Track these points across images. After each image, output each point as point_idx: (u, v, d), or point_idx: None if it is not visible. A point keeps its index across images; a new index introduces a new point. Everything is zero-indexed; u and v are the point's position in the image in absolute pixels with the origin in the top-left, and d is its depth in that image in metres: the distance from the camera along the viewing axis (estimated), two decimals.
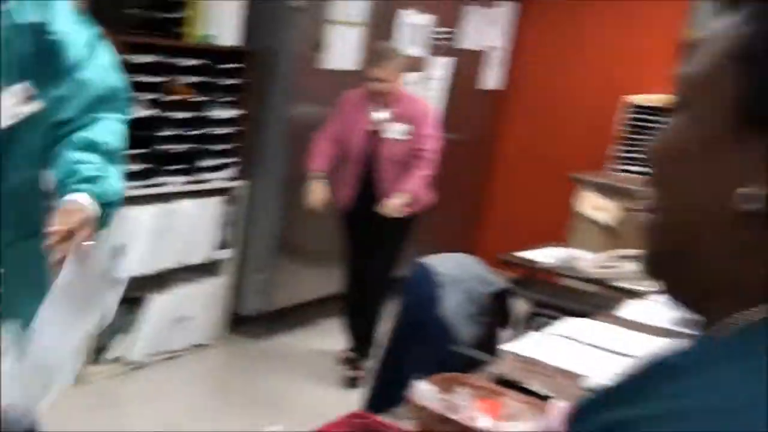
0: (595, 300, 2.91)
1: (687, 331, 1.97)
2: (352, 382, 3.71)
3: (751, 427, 0.49)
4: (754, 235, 0.55)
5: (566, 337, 2.29)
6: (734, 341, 0.56)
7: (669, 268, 0.62)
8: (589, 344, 2.24)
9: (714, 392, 0.52)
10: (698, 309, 0.60)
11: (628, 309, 2.58)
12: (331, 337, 4.08)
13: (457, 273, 2.49)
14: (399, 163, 3.58)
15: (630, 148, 4.71)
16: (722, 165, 0.57)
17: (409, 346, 2.31)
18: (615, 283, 2.95)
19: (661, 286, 0.64)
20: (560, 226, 4.39)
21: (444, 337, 2.34)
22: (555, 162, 5.16)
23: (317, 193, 3.62)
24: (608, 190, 4.23)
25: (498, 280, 2.64)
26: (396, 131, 3.59)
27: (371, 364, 3.34)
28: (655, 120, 4.64)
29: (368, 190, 3.61)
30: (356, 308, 3.81)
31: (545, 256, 3.20)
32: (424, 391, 1.66)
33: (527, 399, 1.75)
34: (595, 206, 3.48)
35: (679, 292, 0.62)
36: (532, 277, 3.28)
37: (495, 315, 2.57)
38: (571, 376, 2.02)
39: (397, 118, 3.58)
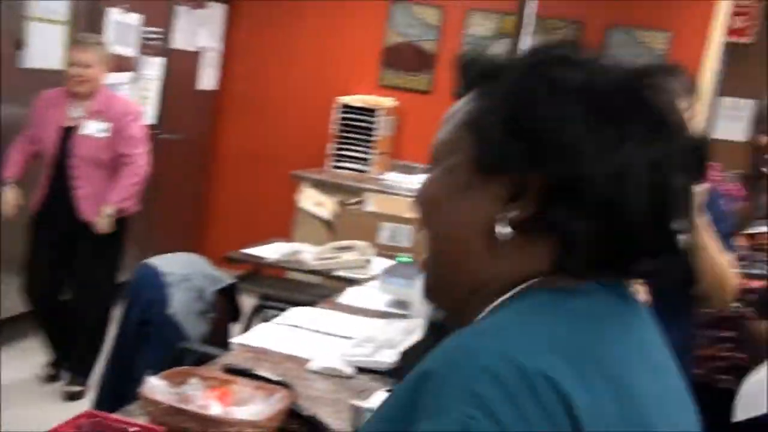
0: (319, 290, 3.08)
1: (399, 312, 2.18)
2: (75, 395, 3.54)
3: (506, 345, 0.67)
4: (501, 250, 0.75)
5: (292, 326, 2.42)
6: (499, 309, 0.75)
7: (443, 293, 0.81)
8: (313, 330, 2.39)
9: (481, 326, 0.72)
10: (462, 313, 0.79)
11: (348, 296, 2.77)
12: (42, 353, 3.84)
13: (184, 272, 2.51)
14: (96, 162, 3.45)
15: (342, 146, 5.00)
16: (469, 204, 0.76)
17: (139, 346, 2.29)
18: (335, 273, 3.14)
19: (439, 308, 0.83)
20: (284, 222, 4.55)
21: (174, 336, 2.35)
22: (276, 160, 5.32)
23: (7, 200, 3.43)
24: (325, 186, 4.47)
25: (225, 277, 2.70)
26: (93, 128, 3.45)
27: (96, 372, 3.23)
28: (364, 120, 4.97)
29: (63, 191, 3.44)
30: (59, 319, 3.59)
31: (270, 251, 3.31)
32: (154, 386, 1.68)
33: (257, 384, 1.83)
34: (315, 202, 3.67)
35: (451, 309, 0.81)
36: (259, 273, 3.38)
37: (224, 311, 2.62)
38: (297, 361, 2.15)
39: (95, 114, 3.46)
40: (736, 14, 4.82)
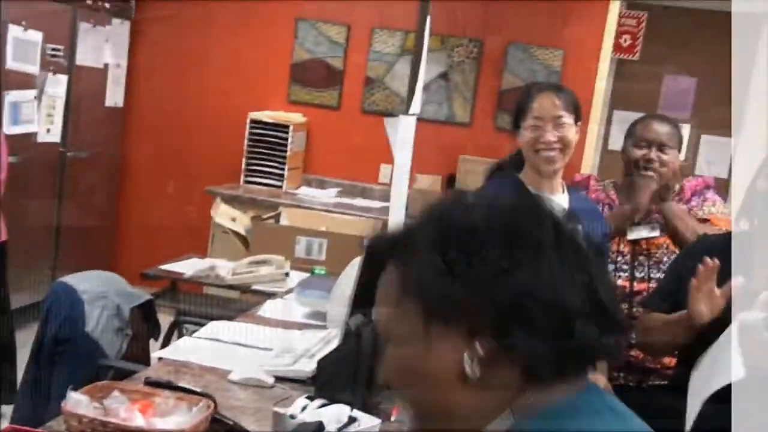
0: (237, 304, 3.12)
1: (316, 323, 2.27)
2: None
3: None
4: (478, 384, 0.83)
5: (211, 339, 2.46)
6: None
7: None
8: (233, 343, 2.44)
9: None
10: None
11: (266, 308, 2.83)
12: None
13: (99, 289, 2.52)
14: None
15: (254, 162, 5.05)
16: (435, 357, 0.85)
17: (56, 364, 2.29)
18: (253, 287, 3.19)
19: None
20: (199, 239, 4.55)
21: (92, 353, 2.36)
22: (189, 176, 5.31)
23: None
24: (239, 202, 4.51)
25: (141, 293, 2.71)
26: None
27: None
28: (275, 135, 5.03)
29: None
30: None
31: (186, 267, 3.32)
32: (76, 400, 1.70)
33: (179, 395, 1.87)
34: (229, 217, 3.71)
35: None
36: (176, 289, 3.38)
37: (142, 327, 2.64)
38: (218, 373, 2.19)
39: None
40: (622, 33, 5.14)
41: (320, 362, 2.12)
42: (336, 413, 1.90)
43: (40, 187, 4.58)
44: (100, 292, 2.51)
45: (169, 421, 1.77)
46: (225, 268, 3.20)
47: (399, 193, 2.39)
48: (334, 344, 2.27)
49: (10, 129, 4.26)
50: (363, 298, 2.39)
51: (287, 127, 5.03)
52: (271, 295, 3.05)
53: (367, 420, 1.87)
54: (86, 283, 2.51)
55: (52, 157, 4.70)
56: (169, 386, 1.96)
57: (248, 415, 1.95)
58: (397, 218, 3.29)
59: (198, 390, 1.95)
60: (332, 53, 5.34)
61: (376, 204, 4.79)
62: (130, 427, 1.70)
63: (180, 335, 2.83)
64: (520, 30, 5.08)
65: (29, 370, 2.40)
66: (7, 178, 3.41)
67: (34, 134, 4.49)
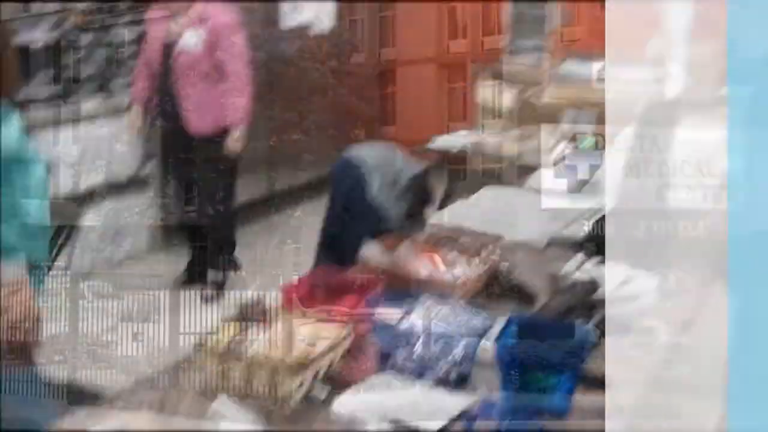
0: (504, 176, 3.19)
1: (585, 191, 2.25)
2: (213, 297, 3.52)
3: None
4: None
5: (483, 205, 2.56)
6: None
7: None
8: (505, 209, 2.52)
9: None
10: None
11: (536, 178, 2.85)
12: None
13: (379, 161, 2.70)
14: (198, 75, 3.40)
15: (516, 38, 4.98)
16: None
17: (345, 225, 2.51)
18: (520, 159, 3.22)
19: None
20: (465, 114, 4.66)
21: (374, 219, 2.56)
22: (454, 54, 5.41)
23: (131, 121, 3.57)
24: (504, 77, 4.51)
25: (416, 164, 2.86)
26: (191, 41, 3.39)
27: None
28: (535, 11, 4.91)
29: (171, 108, 3.43)
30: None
31: (455, 141, 3.43)
32: (372, 249, 1.89)
33: (462, 248, 2.00)
34: (494, 92, 3.76)
35: None
36: (446, 160, 3.52)
37: (417, 195, 2.80)
38: (490, 236, 2.28)
39: (193, 26, 3.39)
40: None
41: (594, 225, 2.14)
42: (611, 273, 1.93)
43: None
44: (379, 164, 2.69)
45: (453, 271, 1.90)
46: (492, 141, 3.26)
47: (667, 66, 2.27)
48: (605, 210, 2.26)
49: None
50: (633, 167, 2.34)
51: (548, 1, 4.89)
52: (537, 167, 3.07)
53: (644, 277, 1.87)
54: (368, 154, 2.70)
55: None
56: (452, 242, 2.09)
57: (524, 273, 2.03)
58: (661, 89, 3.13)
59: (480, 244, 2.05)
60: None
61: (645, 75, 4.54)
62: (418, 275, 1.85)
63: (451, 203, 2.96)
64: None
65: (322, 234, 2.64)
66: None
67: None
